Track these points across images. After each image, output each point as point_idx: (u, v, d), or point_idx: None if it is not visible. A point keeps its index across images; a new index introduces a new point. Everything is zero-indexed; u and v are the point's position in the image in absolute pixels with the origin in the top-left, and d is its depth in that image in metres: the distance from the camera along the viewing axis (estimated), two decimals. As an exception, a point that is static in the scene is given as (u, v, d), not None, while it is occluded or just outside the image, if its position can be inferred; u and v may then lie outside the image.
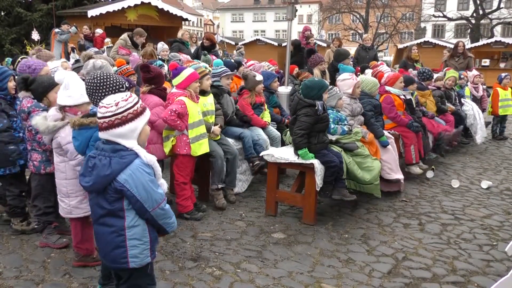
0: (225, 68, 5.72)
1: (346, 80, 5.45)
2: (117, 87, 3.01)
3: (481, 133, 8.42)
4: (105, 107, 2.44)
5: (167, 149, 4.75)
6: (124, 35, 8.98)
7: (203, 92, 5.01)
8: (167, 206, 2.54)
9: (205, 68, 5.32)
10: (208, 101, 5.07)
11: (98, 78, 2.99)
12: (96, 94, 2.99)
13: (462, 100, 8.47)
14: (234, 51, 19.33)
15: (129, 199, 2.41)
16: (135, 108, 2.45)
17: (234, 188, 5.37)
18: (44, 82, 3.92)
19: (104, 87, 2.97)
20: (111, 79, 3.02)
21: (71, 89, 3.34)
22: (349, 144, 4.88)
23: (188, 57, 8.33)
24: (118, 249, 2.48)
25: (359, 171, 4.84)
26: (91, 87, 2.99)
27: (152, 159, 2.47)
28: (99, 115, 2.45)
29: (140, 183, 2.38)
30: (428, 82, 7.46)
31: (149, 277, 2.67)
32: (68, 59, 10.09)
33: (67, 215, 3.63)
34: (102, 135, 2.45)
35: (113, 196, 2.42)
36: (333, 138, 4.89)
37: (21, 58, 6.30)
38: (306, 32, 10.55)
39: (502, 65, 22.36)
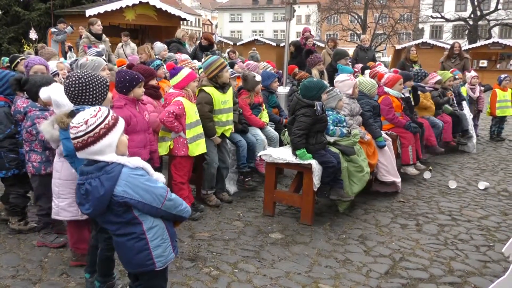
0: (232, 70, 5.66)
1: (346, 81, 5.46)
2: (104, 85, 2.98)
3: (474, 141, 8.50)
4: (75, 127, 2.35)
5: (161, 150, 4.66)
6: (85, 33, 9.05)
7: (222, 87, 5.00)
8: (173, 195, 2.52)
9: (200, 67, 5.29)
10: (226, 98, 5.05)
11: (83, 78, 2.92)
12: (83, 95, 2.91)
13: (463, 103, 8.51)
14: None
15: (136, 206, 2.38)
16: (106, 122, 2.37)
17: (224, 191, 5.38)
18: (37, 82, 3.85)
19: (90, 88, 2.92)
20: (96, 78, 2.96)
21: (61, 105, 3.27)
22: (347, 148, 4.88)
23: (185, 56, 8.28)
24: (141, 253, 2.47)
25: (349, 181, 4.86)
26: (77, 89, 2.90)
27: (137, 162, 2.41)
28: (71, 136, 2.39)
29: (139, 188, 2.36)
30: (425, 80, 7.48)
31: (163, 278, 2.68)
32: (65, 58, 10.06)
33: (54, 216, 3.60)
34: (80, 155, 2.41)
35: (120, 209, 2.39)
36: (331, 140, 4.90)
37: (21, 59, 6.27)
38: (306, 33, 10.54)
39: (498, 66, 22.49)
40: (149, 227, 2.45)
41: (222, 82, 4.99)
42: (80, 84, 2.90)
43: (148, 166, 2.48)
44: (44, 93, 3.47)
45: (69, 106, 3.16)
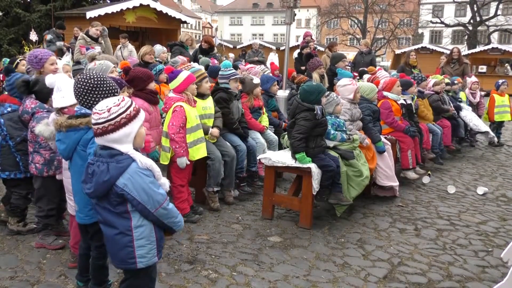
0: (234, 70, 5.61)
1: (347, 86, 5.48)
2: (111, 91, 2.91)
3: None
4: (98, 113, 2.43)
5: (161, 159, 4.65)
6: (81, 34, 9.15)
7: (201, 95, 5.01)
8: (170, 205, 2.54)
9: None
10: (208, 105, 5.06)
11: (93, 80, 2.86)
12: (87, 96, 2.87)
13: (463, 106, 8.54)
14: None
15: (131, 202, 2.42)
16: (127, 112, 2.44)
17: (232, 190, 5.36)
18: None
19: (96, 90, 2.86)
20: (105, 83, 2.90)
21: (63, 90, 3.27)
22: (346, 152, 4.89)
23: (185, 59, 8.28)
24: (125, 249, 2.50)
25: (347, 185, 4.86)
26: (83, 88, 2.86)
27: (148, 163, 2.46)
28: (93, 121, 2.46)
29: (140, 186, 2.39)
30: (423, 84, 7.49)
31: (150, 278, 2.69)
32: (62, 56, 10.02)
33: (74, 213, 3.60)
34: (98, 140, 2.47)
35: (116, 200, 2.43)
36: (331, 144, 4.90)
37: (20, 60, 6.26)
38: (307, 38, 10.56)
39: (496, 70, 22.62)
40: (137, 225, 2.48)
41: (201, 92, 5.00)
42: (87, 85, 2.85)
43: (157, 171, 2.51)
44: (50, 78, 3.46)
45: (67, 95, 3.20)
